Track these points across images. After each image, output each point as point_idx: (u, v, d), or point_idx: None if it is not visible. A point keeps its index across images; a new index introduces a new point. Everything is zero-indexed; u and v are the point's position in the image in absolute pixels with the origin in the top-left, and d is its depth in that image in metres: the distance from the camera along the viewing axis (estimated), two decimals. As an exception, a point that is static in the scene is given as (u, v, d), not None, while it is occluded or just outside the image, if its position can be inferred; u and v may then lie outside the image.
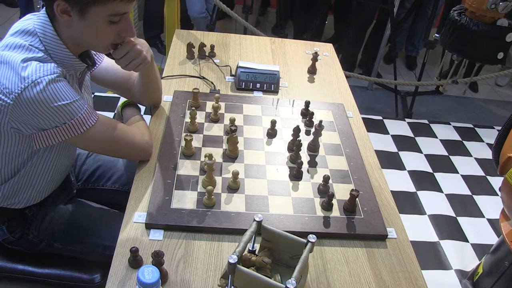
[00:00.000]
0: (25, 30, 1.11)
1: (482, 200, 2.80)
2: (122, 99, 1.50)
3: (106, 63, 1.42)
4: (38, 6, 3.40)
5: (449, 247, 2.41)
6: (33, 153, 1.19)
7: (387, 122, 3.42)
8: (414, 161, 3.05)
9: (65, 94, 1.07)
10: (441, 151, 3.21)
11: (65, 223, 1.36)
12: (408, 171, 2.94)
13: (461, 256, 2.37)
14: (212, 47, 1.87)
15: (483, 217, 2.67)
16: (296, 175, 1.32)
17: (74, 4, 1.04)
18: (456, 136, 3.40)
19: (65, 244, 1.36)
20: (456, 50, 1.08)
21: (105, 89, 3.32)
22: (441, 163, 3.07)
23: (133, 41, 1.23)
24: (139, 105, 1.51)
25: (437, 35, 1.54)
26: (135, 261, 1.01)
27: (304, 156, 1.41)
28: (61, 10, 1.06)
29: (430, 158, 3.10)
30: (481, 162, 3.14)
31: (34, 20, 1.12)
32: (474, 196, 2.82)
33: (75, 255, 1.38)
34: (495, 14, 1.01)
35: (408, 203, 2.68)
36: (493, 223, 2.63)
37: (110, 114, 3.03)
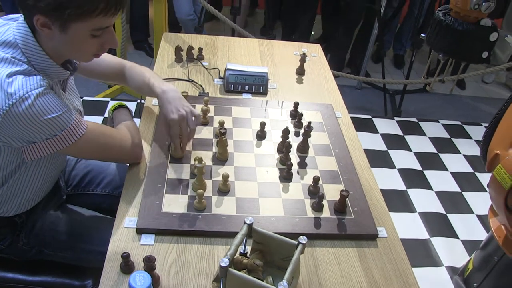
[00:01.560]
0: (5, 42, 1.08)
1: (471, 197, 2.83)
2: (113, 103, 1.50)
3: None
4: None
5: (440, 244, 2.43)
6: (21, 163, 1.18)
7: (376, 121, 3.44)
8: (404, 159, 3.07)
9: (53, 106, 1.06)
10: (430, 148, 3.24)
11: (55, 229, 1.35)
12: (398, 170, 2.96)
13: (451, 252, 2.40)
14: (200, 49, 1.87)
15: (473, 213, 2.70)
16: (286, 177, 1.33)
17: (55, 20, 1.02)
18: (444, 134, 3.43)
19: (56, 251, 1.35)
20: (442, 50, 1.09)
21: (93, 93, 3.31)
22: (430, 161, 3.10)
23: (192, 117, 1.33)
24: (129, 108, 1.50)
25: (423, 35, 1.55)
26: (126, 267, 1.01)
27: (294, 157, 1.41)
28: (41, 24, 1.03)
29: (420, 156, 3.13)
30: (469, 159, 3.17)
31: (13, 29, 1.09)
32: (463, 193, 2.85)
33: (66, 261, 1.37)
34: (478, 14, 1.03)
35: (398, 201, 2.70)
36: (482, 219, 2.66)
37: (99, 118, 3.01)
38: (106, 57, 1.46)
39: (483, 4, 0.95)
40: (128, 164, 1.33)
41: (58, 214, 1.38)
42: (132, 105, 3.15)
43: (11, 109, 1.01)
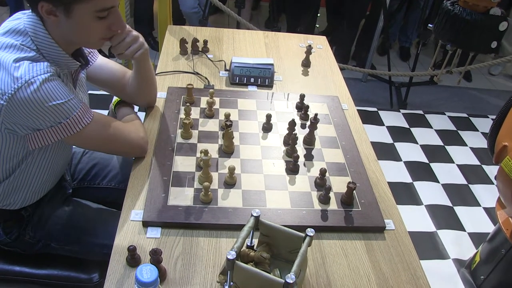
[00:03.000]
0: (15, 30, 1.09)
1: (478, 189, 2.81)
2: (115, 98, 1.49)
3: (100, 61, 1.41)
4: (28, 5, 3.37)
5: (446, 236, 2.42)
6: (28, 153, 1.18)
7: (382, 114, 3.42)
8: (410, 152, 3.05)
9: (59, 93, 1.06)
10: (437, 141, 3.21)
11: (61, 223, 1.35)
12: (404, 162, 2.94)
13: (458, 245, 2.38)
14: (205, 42, 1.86)
15: (479, 206, 2.68)
16: (292, 169, 1.32)
17: (58, 4, 1.03)
18: (451, 126, 3.40)
19: (62, 244, 1.35)
20: (450, 40, 1.06)
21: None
22: (436, 153, 3.08)
23: (129, 28, 1.23)
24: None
25: (431, 26, 1.53)
26: (133, 260, 1.01)
27: (300, 149, 1.40)
28: (46, 11, 1.04)
29: (426, 148, 3.11)
30: (476, 151, 3.15)
31: (24, 19, 1.11)
32: (470, 185, 2.83)
33: (72, 255, 1.37)
34: (488, 3, 1.00)
35: (404, 194, 2.68)
36: (489, 211, 2.64)
37: (104, 112, 3.00)
38: (109, 63, 1.45)
39: None
40: (133, 158, 1.33)
41: (64, 208, 1.38)
42: (137, 99, 3.15)
43: (17, 93, 1.01)
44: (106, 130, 1.20)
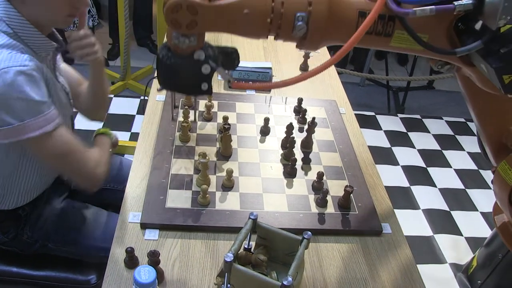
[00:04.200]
0: None
1: (475, 194, 2.82)
2: (99, 127, 1.44)
3: (61, 66, 1.40)
4: None
5: (443, 241, 2.43)
6: (7, 155, 1.17)
7: (380, 118, 3.43)
8: (407, 156, 3.06)
9: (32, 90, 1.03)
10: (434, 145, 3.23)
11: (59, 224, 1.35)
12: (402, 166, 2.95)
13: (455, 249, 2.39)
14: (204, 45, 1.87)
15: (477, 210, 2.69)
16: (290, 172, 1.33)
17: None
18: (448, 131, 3.42)
19: (59, 245, 1.35)
20: (164, 85, 1.05)
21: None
22: (434, 158, 3.09)
23: (91, 33, 1.24)
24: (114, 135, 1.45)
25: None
26: (131, 261, 1.01)
27: (298, 153, 1.41)
28: None
29: (423, 153, 3.12)
30: (473, 156, 3.16)
31: None
32: (467, 190, 2.84)
33: (70, 256, 1.37)
34: (188, 48, 0.99)
35: (402, 198, 2.69)
36: (487, 216, 2.65)
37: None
38: (69, 69, 1.43)
39: (181, 39, 0.93)
40: (132, 159, 1.33)
41: (62, 209, 1.38)
42: (135, 101, 3.16)
43: None
44: (65, 147, 1.14)
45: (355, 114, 1.67)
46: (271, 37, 0.95)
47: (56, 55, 1.27)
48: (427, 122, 3.48)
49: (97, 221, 1.39)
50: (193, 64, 0.99)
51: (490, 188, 2.88)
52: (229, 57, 1.07)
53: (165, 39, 1.05)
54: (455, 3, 0.83)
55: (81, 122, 3.03)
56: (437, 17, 0.85)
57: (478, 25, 0.90)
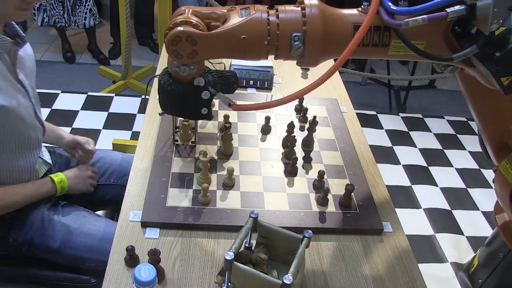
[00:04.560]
0: None
1: (476, 193, 2.82)
2: (59, 176, 1.40)
3: None
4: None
5: (445, 240, 2.43)
6: None
7: (381, 117, 3.43)
8: (409, 155, 3.06)
9: None
10: (435, 145, 3.22)
11: (43, 230, 1.33)
12: (403, 166, 2.95)
13: (456, 249, 2.39)
14: (205, 44, 1.87)
15: (478, 209, 2.69)
16: (291, 171, 1.32)
17: None
18: (450, 130, 3.42)
19: (43, 252, 1.33)
20: (165, 109, 1.10)
21: (98, 89, 3.32)
22: (435, 157, 3.09)
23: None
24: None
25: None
26: (131, 260, 1.01)
27: (299, 152, 1.41)
28: None
29: (425, 152, 3.12)
30: (475, 155, 3.16)
31: None
32: (469, 189, 2.84)
33: (56, 262, 1.35)
34: (188, 75, 1.03)
35: (403, 197, 2.69)
36: (488, 215, 2.65)
37: (104, 114, 3.01)
38: None
39: (181, 67, 0.97)
40: (134, 156, 1.33)
41: (49, 215, 1.35)
42: (136, 101, 3.16)
43: None
44: None
45: (356, 113, 1.66)
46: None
47: (17, 50, 1.24)
48: (429, 121, 3.47)
49: (81, 233, 1.35)
50: (194, 90, 1.03)
51: (492, 188, 2.87)
52: (228, 81, 1.12)
53: (164, 63, 1.07)
54: (448, 10, 0.84)
55: (81, 122, 3.03)
56: (432, 24, 0.86)
57: (474, 29, 0.90)
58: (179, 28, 0.90)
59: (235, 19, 0.91)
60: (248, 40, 0.91)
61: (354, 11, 0.94)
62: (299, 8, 0.92)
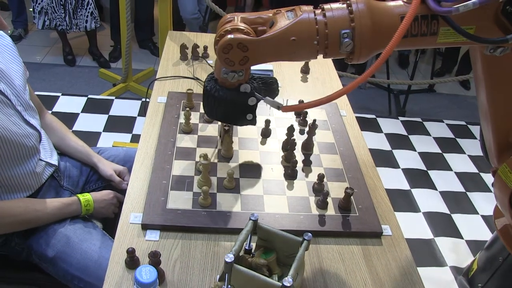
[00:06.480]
0: None
1: (476, 197, 2.82)
2: (86, 197, 1.40)
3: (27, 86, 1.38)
4: (30, 9, 3.39)
5: (444, 244, 2.43)
6: None
7: (381, 121, 3.43)
8: (408, 159, 3.07)
9: None
10: (435, 148, 3.23)
11: (41, 239, 1.31)
12: (402, 169, 2.96)
13: (455, 252, 2.39)
14: (206, 48, 1.88)
15: (477, 213, 2.70)
16: (290, 174, 1.33)
17: None
18: (449, 134, 3.42)
19: (40, 261, 1.32)
20: (210, 115, 1.13)
21: (98, 92, 3.32)
22: (434, 161, 3.09)
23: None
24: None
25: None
26: (131, 262, 1.02)
27: (299, 155, 1.42)
28: None
29: (424, 156, 3.12)
30: (474, 159, 3.17)
31: None
32: (468, 193, 2.84)
33: (50, 273, 1.33)
34: (236, 81, 1.05)
35: (402, 201, 2.69)
36: (487, 219, 2.65)
37: (104, 117, 3.02)
38: (32, 92, 1.41)
39: (230, 73, 0.99)
40: (134, 158, 1.34)
41: (54, 225, 1.33)
42: (137, 103, 3.17)
43: None
44: None
45: (356, 116, 1.67)
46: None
47: None
48: (428, 125, 3.48)
49: (77, 248, 1.30)
50: (240, 97, 1.04)
51: (491, 191, 2.88)
52: (270, 87, 1.15)
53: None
54: None
55: (82, 124, 3.04)
56: (482, 7, 0.83)
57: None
58: (229, 36, 0.91)
59: (283, 22, 0.92)
60: (298, 42, 0.91)
61: (399, 2, 0.92)
62: (344, 5, 0.91)
